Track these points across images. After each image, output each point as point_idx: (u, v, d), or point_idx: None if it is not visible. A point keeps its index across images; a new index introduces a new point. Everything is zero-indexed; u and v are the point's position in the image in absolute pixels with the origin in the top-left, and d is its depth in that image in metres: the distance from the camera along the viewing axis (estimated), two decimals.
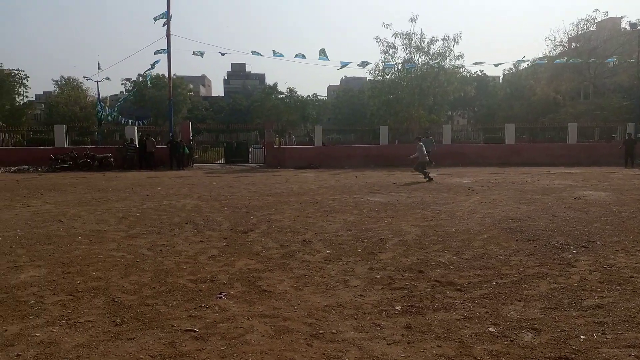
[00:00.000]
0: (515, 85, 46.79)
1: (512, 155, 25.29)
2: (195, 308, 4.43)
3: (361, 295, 4.77)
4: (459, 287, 4.96)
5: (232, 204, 10.81)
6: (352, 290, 4.90)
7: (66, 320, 4.15)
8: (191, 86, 66.93)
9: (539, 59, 34.21)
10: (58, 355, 3.50)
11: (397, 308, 4.40)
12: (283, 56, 25.97)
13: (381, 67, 31.25)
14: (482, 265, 5.72)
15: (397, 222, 8.56)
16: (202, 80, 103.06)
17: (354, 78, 73.03)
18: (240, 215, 9.31)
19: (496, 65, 34.00)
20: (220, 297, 4.71)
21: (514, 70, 49.16)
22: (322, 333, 3.87)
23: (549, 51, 37.46)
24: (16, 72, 46.24)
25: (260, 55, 26.53)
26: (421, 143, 16.67)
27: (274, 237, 7.38)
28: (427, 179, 15.72)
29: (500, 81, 55.48)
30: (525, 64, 39.67)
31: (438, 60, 30.05)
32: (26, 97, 50.30)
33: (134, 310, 4.38)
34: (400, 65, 30.94)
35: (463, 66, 33.73)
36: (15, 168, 21.75)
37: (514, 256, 6.12)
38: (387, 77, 31.99)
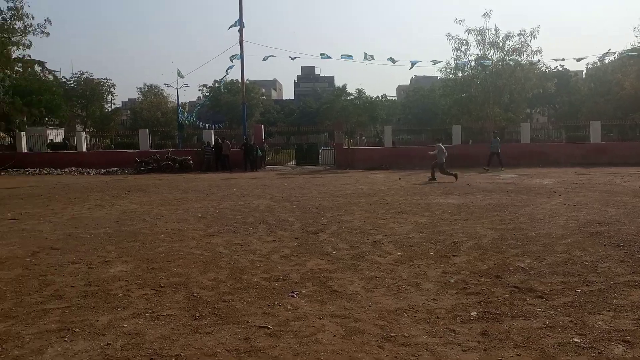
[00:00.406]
0: (600, 80, 43.53)
1: (598, 154, 23.55)
2: (268, 305, 4.55)
3: (434, 299, 4.66)
4: (540, 294, 4.70)
5: (303, 205, 10.97)
6: (424, 294, 4.80)
7: (150, 313, 4.42)
8: (263, 90, 68.84)
9: (628, 51, 31.60)
10: (143, 345, 3.74)
11: (472, 314, 4.25)
12: (352, 58, 26.04)
13: (453, 65, 30.33)
14: (566, 272, 5.38)
15: (472, 224, 8.27)
16: (273, 84, 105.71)
17: (424, 77, 71.52)
18: (311, 216, 9.43)
19: (578, 60, 31.66)
20: (293, 296, 4.80)
21: (598, 64, 45.79)
22: (394, 336, 3.82)
23: (639, 42, 34.47)
24: (105, 81, 49.92)
25: (329, 57, 26.68)
26: (440, 144, 16.80)
27: (344, 237, 7.41)
28: (431, 179, 16.12)
29: (583, 76, 51.90)
30: (611, 57, 36.81)
31: (514, 56, 28.66)
32: (113, 104, 54.16)
33: (212, 305, 4.57)
34: (473, 62, 29.87)
35: (541, 61, 31.90)
36: (105, 170, 23.47)
37: (601, 262, 5.70)
38: (459, 74, 30.99)
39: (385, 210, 10.05)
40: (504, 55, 29.03)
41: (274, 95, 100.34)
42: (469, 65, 30.02)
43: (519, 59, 28.81)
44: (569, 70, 50.46)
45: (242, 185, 15.97)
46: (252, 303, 4.62)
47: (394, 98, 65.15)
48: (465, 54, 29.65)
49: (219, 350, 3.63)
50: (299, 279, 5.35)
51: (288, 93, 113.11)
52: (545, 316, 4.15)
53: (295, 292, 4.89)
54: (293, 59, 30.09)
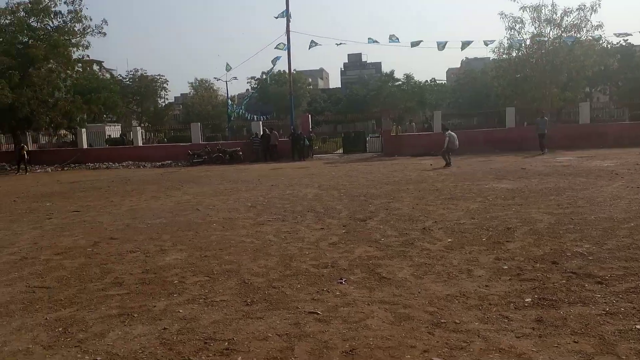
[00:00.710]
0: None
1: None
2: (317, 292, 4.59)
3: (486, 285, 4.54)
4: (599, 279, 4.48)
5: (351, 193, 10.96)
6: (476, 280, 4.69)
7: (204, 299, 4.57)
8: (310, 80, 69.04)
9: None
10: (197, 330, 3.87)
11: (526, 300, 4.11)
12: (399, 41, 25.57)
13: (506, 45, 29.13)
14: (629, 257, 5.09)
15: (527, 209, 7.97)
16: (320, 73, 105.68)
17: (475, 59, 69.09)
18: (359, 204, 9.41)
19: None
20: (341, 282, 4.82)
21: None
22: (444, 322, 3.76)
23: None
24: (158, 77, 51.70)
25: (377, 42, 26.32)
26: (450, 132, 16.90)
27: (393, 224, 7.34)
28: (446, 164, 16.22)
29: None
30: None
31: (572, 32, 27.15)
32: (166, 99, 56.06)
33: (263, 291, 4.67)
34: (528, 41, 28.58)
35: (602, 37, 30.05)
36: (160, 163, 24.39)
37: None
38: (513, 54, 29.74)
39: (435, 196, 9.87)
40: (562, 32, 27.57)
41: (321, 84, 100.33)
42: (523, 44, 28.75)
43: (578, 36, 27.27)
44: (633, 45, 47.27)
45: (290, 175, 16.14)
46: (302, 289, 4.68)
47: (443, 82, 63.51)
48: (519, 33, 28.42)
49: (269, 334, 3.71)
50: (348, 266, 5.36)
51: (335, 81, 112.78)
52: (605, 302, 3.95)
53: (344, 279, 4.91)
54: (339, 44, 30.04)
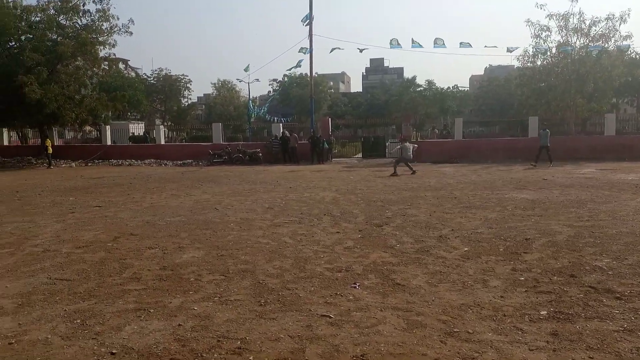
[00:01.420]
0: None
1: None
2: (331, 295, 4.61)
3: (502, 296, 4.50)
4: (618, 295, 4.40)
5: (368, 198, 10.95)
6: (491, 291, 4.65)
7: (219, 297, 4.63)
8: (331, 83, 69.13)
9: None
10: (211, 327, 3.93)
11: (542, 313, 4.06)
12: (422, 47, 25.45)
13: (531, 52, 28.73)
14: None
15: (546, 221, 7.86)
16: (341, 77, 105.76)
17: (499, 66, 68.36)
18: (376, 209, 9.39)
19: None
20: (355, 287, 4.83)
21: None
22: (457, 332, 3.74)
23: None
24: (182, 77, 52.42)
25: (399, 47, 26.19)
26: (407, 144, 17.29)
27: (409, 231, 7.31)
28: (400, 172, 16.49)
29: None
30: None
31: (600, 42, 26.65)
32: (190, 99, 56.79)
33: (277, 292, 4.70)
34: (554, 49, 28.14)
35: (631, 47, 29.44)
36: (181, 162, 24.70)
37: None
38: (538, 63, 29.31)
39: (453, 204, 9.79)
40: (589, 41, 27.09)
41: (342, 88, 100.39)
42: (549, 53, 28.33)
43: (606, 45, 26.76)
44: None
45: (308, 178, 16.19)
46: (315, 292, 4.71)
47: (466, 89, 62.93)
48: (545, 41, 28.01)
49: (282, 335, 3.74)
50: (362, 271, 5.36)
51: (356, 86, 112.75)
52: (623, 319, 3.88)
53: (358, 284, 4.92)
54: (361, 50, 29.98)
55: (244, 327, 3.91)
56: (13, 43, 24.78)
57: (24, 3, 24.62)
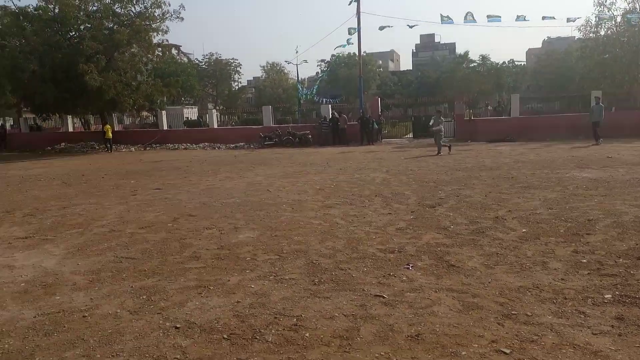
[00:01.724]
0: None
1: None
2: (383, 276, 4.63)
3: (562, 279, 4.35)
4: None
5: (420, 178, 10.79)
6: (551, 273, 4.50)
7: (274, 276, 4.75)
8: (380, 62, 68.04)
9: None
10: (268, 305, 4.05)
11: (606, 296, 3.90)
12: (475, 21, 24.48)
13: (594, 22, 27.02)
14: None
15: (611, 200, 7.47)
16: (390, 55, 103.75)
17: (558, 38, 64.58)
18: (428, 190, 9.26)
19: None
20: (408, 268, 4.82)
21: None
22: (515, 314, 3.67)
23: None
24: (232, 61, 53.25)
25: (451, 22, 25.30)
26: (441, 117, 17.30)
27: (463, 212, 7.17)
28: (438, 153, 16.26)
29: None
30: None
31: None
32: (240, 82, 57.70)
33: (330, 272, 4.77)
34: (619, 18, 26.32)
35: None
36: (233, 145, 25.26)
37: None
38: (602, 33, 27.54)
39: (510, 184, 9.49)
40: None
41: (391, 66, 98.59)
42: (614, 22, 26.53)
43: None
44: None
45: (358, 159, 16.14)
46: (368, 272, 4.74)
47: (522, 63, 60.11)
48: (610, 9, 26.25)
49: (336, 314, 3.81)
50: (415, 252, 5.33)
51: (406, 64, 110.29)
52: None
53: (411, 265, 4.90)
54: (411, 27, 29.29)
55: (299, 305, 4.01)
56: (73, 33, 25.93)
57: None
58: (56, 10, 24.69)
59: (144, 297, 4.33)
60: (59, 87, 23.64)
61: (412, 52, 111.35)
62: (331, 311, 3.87)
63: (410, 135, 26.98)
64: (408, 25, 27.78)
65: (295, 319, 3.75)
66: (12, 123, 38.03)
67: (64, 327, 3.78)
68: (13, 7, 24.77)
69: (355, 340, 3.39)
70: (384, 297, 4.09)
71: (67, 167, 17.06)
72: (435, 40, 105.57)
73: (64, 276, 4.98)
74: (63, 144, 28.19)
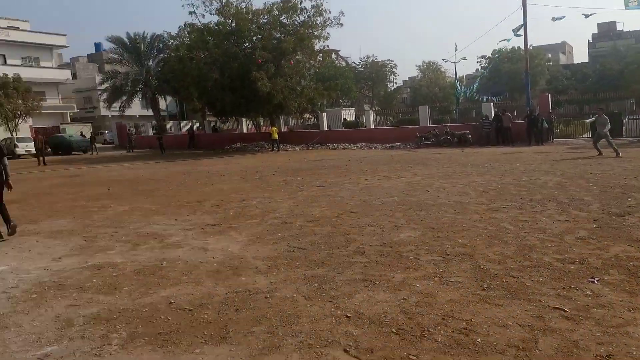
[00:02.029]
0: None
1: None
2: (563, 288, 4.24)
3: None
4: None
5: (602, 183, 9.60)
6: None
7: (439, 277, 4.69)
8: (549, 55, 62.14)
9: None
10: (435, 305, 4.02)
11: None
12: None
13: None
14: None
15: None
16: (561, 47, 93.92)
17: None
18: (613, 196, 8.19)
19: None
20: (593, 282, 4.34)
21: None
22: None
23: None
24: (387, 62, 53.68)
25: (637, 7, 21.93)
26: (605, 116, 15.52)
27: None
28: (617, 155, 14.47)
29: None
30: None
31: None
32: (395, 83, 57.90)
33: (500, 279, 4.54)
34: None
35: None
36: (389, 145, 25.45)
37: None
38: None
39: None
40: None
41: (563, 59, 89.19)
42: None
43: None
44: None
45: (526, 160, 14.97)
46: (544, 283, 4.38)
47: None
48: None
49: (509, 322, 3.61)
50: (601, 265, 4.77)
51: (580, 56, 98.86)
52: None
53: (597, 279, 4.40)
54: (587, 16, 26.08)
55: (467, 310, 3.89)
56: (247, 44, 28.79)
57: (253, 8, 28.25)
58: (233, 25, 27.66)
59: (316, 285, 4.64)
60: (235, 94, 26.47)
61: (589, 42, 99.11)
62: (504, 319, 3.68)
63: (588, 134, 24.09)
64: (583, 14, 24.72)
65: (464, 323, 3.65)
66: (198, 125, 43.72)
67: (250, 305, 4.24)
68: (199, 24, 28.43)
69: (533, 352, 3.18)
70: (565, 311, 3.76)
71: (242, 164, 19.05)
72: (617, 29, 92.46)
73: (247, 260, 5.59)
74: (239, 143, 31.56)
